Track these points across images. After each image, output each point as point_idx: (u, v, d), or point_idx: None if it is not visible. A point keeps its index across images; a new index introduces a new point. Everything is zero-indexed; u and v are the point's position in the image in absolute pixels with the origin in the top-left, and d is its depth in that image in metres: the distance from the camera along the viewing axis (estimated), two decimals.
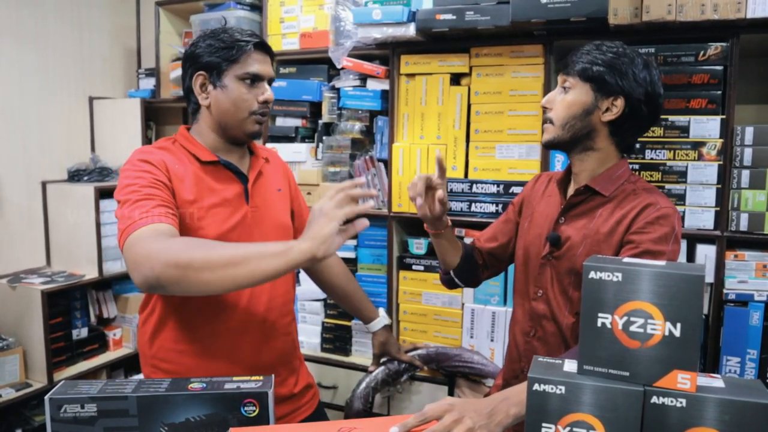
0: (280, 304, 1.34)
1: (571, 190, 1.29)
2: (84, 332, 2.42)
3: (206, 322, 1.25)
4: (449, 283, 1.52)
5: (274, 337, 1.32)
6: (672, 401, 0.73)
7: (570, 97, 1.21)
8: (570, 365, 0.81)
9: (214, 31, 1.27)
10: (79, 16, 2.64)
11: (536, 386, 0.78)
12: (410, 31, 1.84)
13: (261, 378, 0.99)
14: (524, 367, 1.30)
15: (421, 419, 0.90)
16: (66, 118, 2.61)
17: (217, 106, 1.25)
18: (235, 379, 0.99)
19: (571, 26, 1.66)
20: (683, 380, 0.73)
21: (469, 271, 1.46)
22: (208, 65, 1.24)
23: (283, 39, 2.17)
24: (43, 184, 2.47)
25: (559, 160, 1.80)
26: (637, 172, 1.66)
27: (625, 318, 0.75)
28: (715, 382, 0.76)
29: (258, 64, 1.25)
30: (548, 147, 1.28)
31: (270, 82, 1.29)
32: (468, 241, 1.53)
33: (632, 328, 0.75)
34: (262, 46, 1.27)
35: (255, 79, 1.25)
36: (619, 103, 1.18)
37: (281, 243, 1.00)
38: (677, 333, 0.73)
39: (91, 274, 2.39)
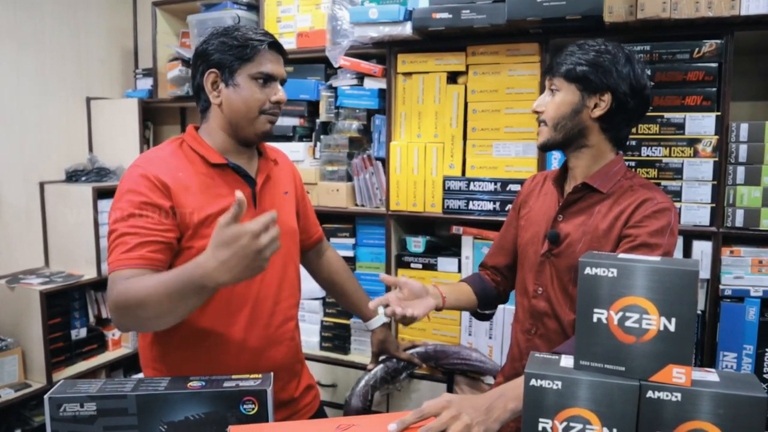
0: (285, 308, 1.33)
1: (568, 188, 1.30)
2: (83, 332, 2.42)
3: (209, 327, 1.24)
4: (482, 318, 1.51)
5: (278, 343, 1.31)
6: (667, 395, 0.74)
7: (558, 98, 1.24)
8: (566, 361, 0.81)
9: (227, 29, 1.25)
10: (76, 17, 2.64)
11: (533, 381, 0.79)
12: (407, 30, 1.85)
13: (260, 376, 1.00)
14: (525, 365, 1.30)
15: (419, 416, 0.90)
16: (64, 119, 2.61)
17: (229, 105, 1.24)
18: (233, 377, 0.99)
19: (566, 24, 1.67)
20: (678, 375, 0.74)
21: (491, 297, 1.46)
22: (220, 63, 1.22)
23: (280, 38, 2.14)
24: (41, 185, 2.47)
25: (555, 158, 1.80)
26: (633, 169, 1.66)
27: (620, 313, 0.76)
28: (710, 376, 0.76)
29: (271, 64, 1.24)
30: (544, 149, 1.30)
31: (282, 82, 1.28)
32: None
33: (627, 323, 0.76)
34: (276, 46, 1.26)
35: (268, 79, 1.24)
36: (606, 98, 1.21)
37: (198, 275, 0.96)
38: (672, 328, 0.74)
39: (89, 274, 2.39)
